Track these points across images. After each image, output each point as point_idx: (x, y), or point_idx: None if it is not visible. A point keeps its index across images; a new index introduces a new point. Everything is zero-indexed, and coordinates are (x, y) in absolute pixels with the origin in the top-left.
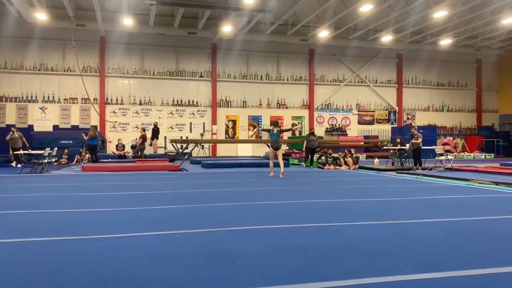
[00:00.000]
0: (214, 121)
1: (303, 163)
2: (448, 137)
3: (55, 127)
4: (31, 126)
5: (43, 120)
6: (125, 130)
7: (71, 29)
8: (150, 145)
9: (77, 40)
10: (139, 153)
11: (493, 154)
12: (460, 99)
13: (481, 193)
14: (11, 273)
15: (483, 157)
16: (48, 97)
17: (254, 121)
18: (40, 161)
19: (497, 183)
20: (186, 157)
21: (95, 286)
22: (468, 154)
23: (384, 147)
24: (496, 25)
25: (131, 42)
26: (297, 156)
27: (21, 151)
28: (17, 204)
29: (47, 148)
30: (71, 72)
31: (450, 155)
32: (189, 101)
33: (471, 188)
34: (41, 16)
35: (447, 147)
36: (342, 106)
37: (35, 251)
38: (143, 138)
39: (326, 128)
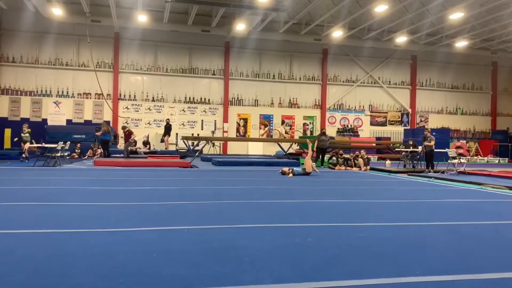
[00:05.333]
0: (225, 119)
1: (314, 163)
2: (461, 140)
3: (69, 121)
4: (45, 120)
5: (57, 114)
6: (137, 126)
7: (86, 25)
8: (162, 141)
9: (92, 36)
10: (127, 150)
11: (507, 158)
12: (475, 102)
13: (494, 197)
14: (20, 264)
15: (497, 161)
16: (62, 91)
17: (266, 120)
18: (53, 155)
19: (510, 188)
20: (197, 154)
21: (103, 279)
22: (482, 158)
23: (396, 149)
24: None
25: (145, 39)
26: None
27: (35, 145)
28: (29, 196)
29: (60, 142)
30: (86, 67)
31: (463, 158)
32: (201, 98)
33: (484, 192)
34: (57, 11)
35: (460, 151)
36: (355, 107)
37: (45, 243)
38: (128, 133)
39: (338, 129)
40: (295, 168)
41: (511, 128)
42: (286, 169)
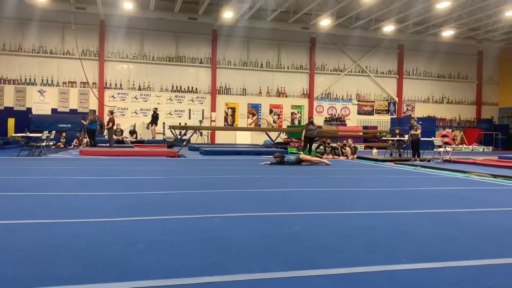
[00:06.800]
0: (213, 108)
1: (302, 152)
2: (447, 129)
3: (54, 110)
4: (29, 109)
5: (42, 103)
6: (124, 115)
7: (70, 12)
8: (147, 128)
9: (76, 23)
10: (110, 140)
11: (491, 147)
12: (460, 91)
13: (478, 185)
14: (3, 255)
15: (482, 149)
16: (47, 80)
17: (254, 109)
18: (38, 144)
19: (494, 176)
20: (184, 143)
21: (89, 270)
22: (467, 146)
23: (383, 138)
24: (499, 18)
25: (131, 27)
26: (296, 145)
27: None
28: (13, 186)
29: (45, 131)
30: (70, 55)
31: (448, 147)
32: (188, 87)
33: (469, 180)
34: None
35: (446, 139)
36: (342, 96)
37: (29, 234)
38: (112, 121)
39: (325, 118)
40: (286, 156)
41: (496, 117)
42: (278, 154)
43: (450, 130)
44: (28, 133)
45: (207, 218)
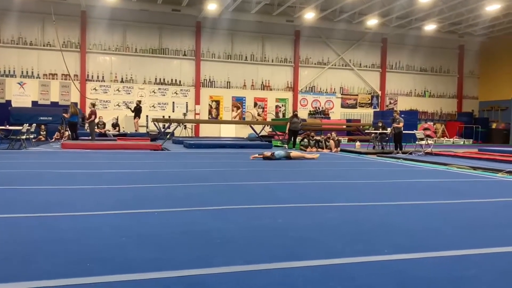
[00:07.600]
0: (197, 101)
1: (286, 145)
2: (428, 122)
3: (34, 103)
4: (8, 102)
5: (22, 95)
6: (106, 108)
7: (51, 2)
8: (131, 108)
9: (57, 14)
10: (92, 133)
11: (471, 140)
12: (442, 85)
13: (458, 177)
14: None
15: (462, 142)
16: (27, 72)
17: (238, 102)
18: (18, 137)
19: (474, 168)
20: (168, 136)
21: (70, 265)
22: (448, 139)
23: (366, 131)
24: (480, 12)
25: (113, 18)
26: (280, 138)
27: None
28: None
29: (25, 124)
30: (51, 47)
31: (430, 140)
32: (172, 80)
33: (450, 172)
34: None
35: (428, 132)
36: (326, 89)
37: (9, 228)
38: (94, 113)
39: (310, 111)
40: (276, 152)
41: (476, 110)
42: (267, 153)
43: (431, 123)
44: (7, 126)
45: (190, 211)
